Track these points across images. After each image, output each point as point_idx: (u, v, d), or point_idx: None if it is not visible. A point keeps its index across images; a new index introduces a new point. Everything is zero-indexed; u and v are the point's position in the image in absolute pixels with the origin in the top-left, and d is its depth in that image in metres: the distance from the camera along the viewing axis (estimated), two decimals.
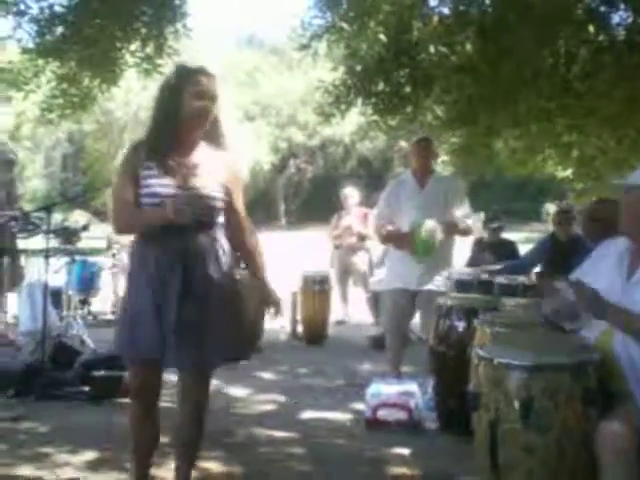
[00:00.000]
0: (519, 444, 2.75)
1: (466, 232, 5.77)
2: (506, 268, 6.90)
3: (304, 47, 7.31)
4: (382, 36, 7.02)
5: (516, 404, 2.74)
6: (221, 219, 3.17)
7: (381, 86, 7.29)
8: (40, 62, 7.58)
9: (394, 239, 5.57)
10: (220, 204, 3.12)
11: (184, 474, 3.31)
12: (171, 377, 3.46)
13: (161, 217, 2.99)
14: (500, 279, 6.38)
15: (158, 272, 3.04)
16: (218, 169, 3.14)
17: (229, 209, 3.21)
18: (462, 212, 5.66)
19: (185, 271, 3.03)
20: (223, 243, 3.15)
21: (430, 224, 5.31)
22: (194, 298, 3.04)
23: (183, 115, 3.08)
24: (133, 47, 7.51)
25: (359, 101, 7.43)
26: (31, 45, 7.61)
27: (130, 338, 3.09)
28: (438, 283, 5.53)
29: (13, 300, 7.72)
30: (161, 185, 3.05)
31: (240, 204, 3.26)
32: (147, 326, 3.04)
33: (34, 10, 7.39)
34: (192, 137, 3.15)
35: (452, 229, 5.54)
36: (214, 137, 3.22)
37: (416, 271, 5.49)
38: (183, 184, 3.05)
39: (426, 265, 5.48)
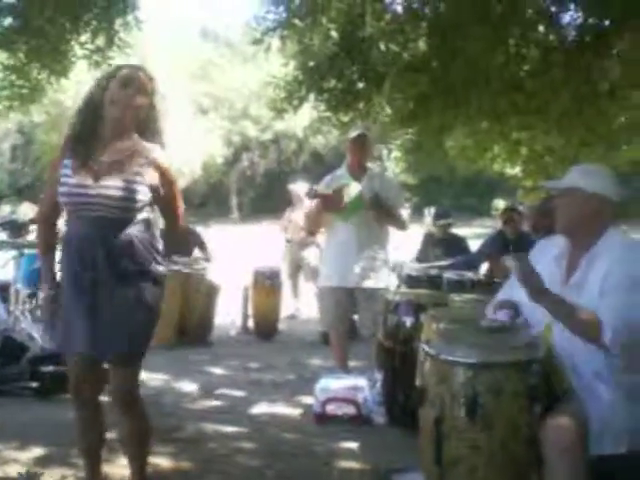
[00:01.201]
0: (464, 441, 2.78)
1: (401, 223, 5.74)
2: (456, 264, 7.00)
3: (257, 41, 7.29)
4: (334, 32, 7.03)
5: (461, 401, 2.78)
6: (143, 215, 3.11)
7: (333, 82, 7.30)
8: None
9: (323, 198, 5.43)
10: (141, 204, 3.07)
11: (133, 470, 3.31)
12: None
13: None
14: (449, 275, 6.47)
15: (74, 268, 3.07)
16: (141, 166, 3.07)
17: (159, 203, 3.18)
18: (397, 202, 5.68)
19: (97, 266, 3.03)
20: (142, 238, 3.10)
21: (357, 187, 5.34)
22: (103, 293, 3.04)
23: (106, 105, 3.05)
24: (83, 39, 7.41)
25: (311, 97, 7.43)
26: None
27: (55, 332, 3.22)
28: (378, 279, 5.53)
29: None
30: (70, 185, 3.05)
31: (170, 197, 3.19)
32: (68, 320, 3.10)
33: None
34: (118, 131, 3.09)
35: (387, 212, 5.53)
36: (148, 134, 3.15)
37: (354, 266, 5.46)
38: (93, 182, 3.02)
39: (364, 259, 5.48)
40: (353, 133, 5.72)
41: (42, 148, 34.19)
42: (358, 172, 5.66)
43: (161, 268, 3.18)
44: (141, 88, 3.06)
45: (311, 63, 7.35)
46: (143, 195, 3.06)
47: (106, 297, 3.03)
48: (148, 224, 3.14)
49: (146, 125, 3.15)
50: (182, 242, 3.33)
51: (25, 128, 34.63)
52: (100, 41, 7.42)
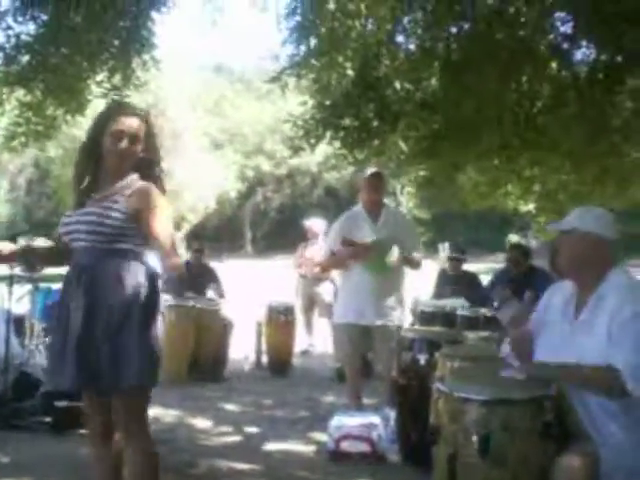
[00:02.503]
0: (477, 478, 2.79)
1: (417, 264, 5.79)
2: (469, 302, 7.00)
3: (274, 79, 7.38)
4: (350, 71, 7.10)
5: (474, 438, 2.78)
6: (124, 245, 3.11)
7: (349, 121, 7.37)
8: (5, 90, 7.57)
9: (358, 245, 5.49)
10: (110, 230, 3.08)
11: None
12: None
13: None
14: (462, 312, 6.46)
15: (66, 302, 3.13)
16: (127, 199, 3.11)
17: (145, 233, 3.12)
18: (413, 245, 5.73)
19: (84, 297, 3.05)
20: (131, 268, 3.11)
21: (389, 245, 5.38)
22: (88, 324, 3.04)
23: (104, 154, 3.17)
24: (100, 77, 7.52)
25: (328, 134, 7.49)
26: None
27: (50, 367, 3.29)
28: (393, 317, 5.57)
29: None
30: (67, 216, 3.21)
31: (153, 228, 3.07)
32: (63, 353, 3.08)
33: (0, 38, 7.40)
34: (115, 173, 3.19)
35: (404, 259, 5.59)
36: (148, 175, 3.24)
37: (370, 304, 5.52)
38: (81, 213, 3.14)
39: (379, 298, 5.52)
40: (368, 171, 5.79)
41: (58, 182, 34.49)
42: (374, 210, 5.71)
43: (143, 298, 3.11)
44: (135, 138, 3.16)
45: (327, 102, 7.42)
46: (116, 221, 3.08)
47: (74, 325, 3.04)
48: (128, 254, 3.13)
49: (143, 166, 3.24)
50: (182, 277, 3.27)
51: (41, 162, 34.98)
52: (117, 80, 7.52)
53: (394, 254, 5.41)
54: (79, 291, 3.07)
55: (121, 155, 3.15)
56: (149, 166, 3.25)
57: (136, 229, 3.11)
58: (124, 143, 3.13)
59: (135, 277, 3.12)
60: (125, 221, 3.09)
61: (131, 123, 3.15)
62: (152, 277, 3.21)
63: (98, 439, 3.26)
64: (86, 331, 3.02)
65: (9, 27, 7.38)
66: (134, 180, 3.19)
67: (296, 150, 7.86)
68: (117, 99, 3.31)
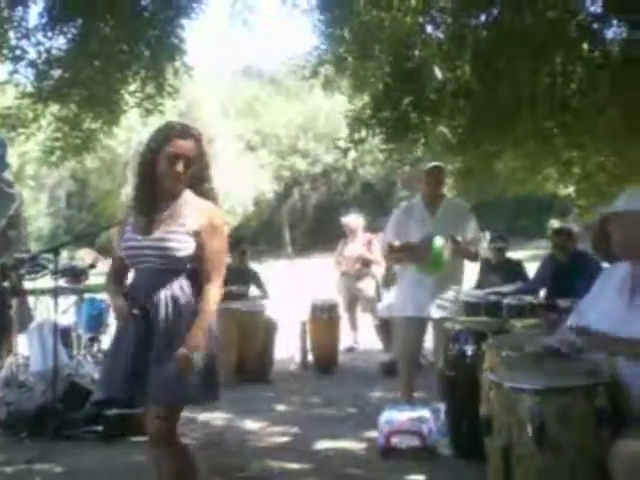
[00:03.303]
0: (533, 468, 2.75)
1: (475, 256, 5.80)
2: (515, 291, 6.92)
3: (313, 74, 7.38)
4: (387, 65, 7.08)
5: (529, 428, 2.74)
6: (193, 265, 3.22)
7: (387, 114, 7.34)
8: (39, 105, 7.65)
9: (406, 249, 5.54)
10: (184, 253, 3.18)
11: None
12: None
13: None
14: (508, 300, 6.39)
15: (128, 317, 3.22)
16: (192, 221, 3.20)
17: (200, 256, 3.24)
18: (472, 237, 5.69)
19: (146, 316, 3.17)
20: (187, 289, 3.21)
21: (441, 240, 5.35)
22: (150, 341, 3.15)
23: (159, 175, 3.22)
24: (132, 87, 7.57)
25: (371, 132, 7.47)
26: (30, 89, 7.68)
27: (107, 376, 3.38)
28: (452, 310, 5.55)
29: (23, 341, 7.73)
30: (129, 239, 3.28)
31: (211, 253, 3.23)
32: (119, 365, 3.22)
33: (31, 54, 7.49)
34: (171, 193, 3.26)
35: (462, 250, 5.56)
36: (200, 190, 3.32)
37: (428, 297, 5.51)
38: (142, 236, 3.22)
39: (438, 291, 5.51)
40: (428, 165, 5.86)
41: (96, 194, 34.88)
42: (432, 202, 5.73)
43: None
44: (190, 160, 3.22)
45: (367, 97, 7.41)
46: (184, 244, 3.18)
47: (150, 344, 3.15)
48: (195, 273, 3.23)
49: (198, 184, 3.32)
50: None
51: (79, 174, 35.32)
52: (150, 89, 7.56)
53: (447, 253, 5.38)
54: (151, 310, 3.16)
55: (177, 178, 3.21)
56: (201, 183, 3.33)
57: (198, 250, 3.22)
58: (180, 167, 3.19)
59: (188, 296, 3.23)
60: (190, 243, 3.20)
61: (186, 145, 3.21)
62: None
63: (154, 447, 3.32)
64: (168, 348, 3.11)
65: (39, 43, 7.48)
66: (191, 198, 3.28)
67: (344, 152, 7.86)
68: (172, 121, 3.34)
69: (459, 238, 5.51)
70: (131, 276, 3.43)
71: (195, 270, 3.23)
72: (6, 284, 5.39)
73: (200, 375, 3.15)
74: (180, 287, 3.17)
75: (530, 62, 6.42)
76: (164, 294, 3.15)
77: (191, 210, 3.23)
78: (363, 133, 7.43)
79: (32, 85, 7.66)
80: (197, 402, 3.35)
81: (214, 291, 3.23)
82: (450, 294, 5.61)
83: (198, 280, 3.23)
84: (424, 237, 5.42)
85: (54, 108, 7.82)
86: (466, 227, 5.69)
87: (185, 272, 3.21)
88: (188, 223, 3.19)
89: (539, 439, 2.72)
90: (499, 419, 2.89)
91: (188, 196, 3.27)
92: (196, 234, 3.20)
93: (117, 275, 3.45)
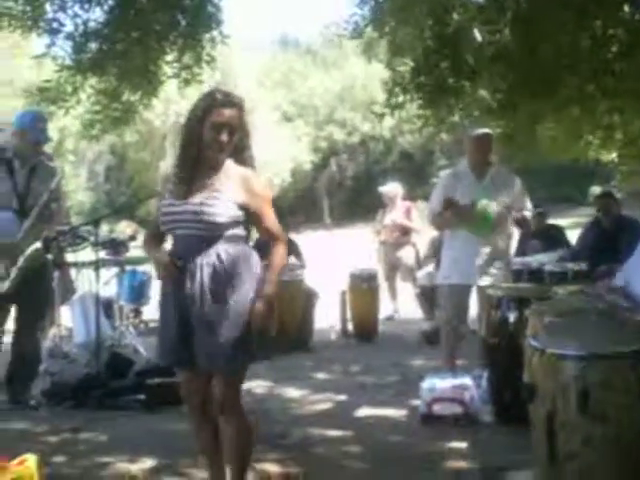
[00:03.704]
0: (577, 435, 2.72)
1: (524, 224, 5.73)
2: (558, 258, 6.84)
3: (357, 35, 7.32)
4: (426, 29, 6.98)
5: (572, 395, 2.71)
6: (232, 232, 3.20)
7: (426, 79, 7.25)
8: (78, 78, 7.66)
9: (455, 209, 5.45)
10: (223, 219, 3.16)
11: (232, 475, 3.38)
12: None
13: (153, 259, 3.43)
14: (550, 267, 6.31)
15: (172, 283, 3.25)
16: (234, 188, 3.20)
17: (254, 224, 3.31)
18: (521, 204, 5.61)
19: (187, 282, 3.16)
20: (231, 252, 3.19)
21: (490, 204, 5.30)
22: (193, 306, 3.16)
23: (203, 144, 3.20)
24: (170, 57, 7.55)
25: (408, 97, 7.40)
26: (68, 62, 7.70)
27: (161, 346, 3.38)
28: (496, 277, 5.49)
29: (65, 313, 7.84)
30: (167, 205, 3.27)
31: (263, 219, 3.30)
32: (168, 334, 3.26)
33: (68, 27, 7.49)
34: (214, 161, 3.24)
35: (512, 219, 5.50)
36: (241, 159, 3.30)
37: (475, 264, 5.46)
38: (180, 202, 3.20)
39: (486, 259, 5.45)
40: (477, 131, 5.75)
41: (135, 167, 35.09)
42: (479, 169, 5.66)
43: (247, 285, 3.21)
44: (234, 129, 3.20)
45: (406, 62, 7.33)
46: (225, 210, 3.16)
47: (197, 313, 3.15)
48: (236, 240, 3.23)
49: (239, 152, 3.30)
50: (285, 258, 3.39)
51: (117, 148, 35.56)
52: (187, 58, 7.54)
53: (495, 213, 5.32)
54: (191, 277, 3.15)
55: (222, 147, 3.20)
56: (242, 151, 3.31)
57: (242, 216, 3.23)
58: (224, 136, 3.18)
59: (243, 261, 3.22)
60: (230, 210, 3.18)
61: (230, 114, 3.19)
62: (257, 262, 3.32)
63: (197, 411, 3.37)
64: (195, 314, 3.14)
65: (76, 15, 7.48)
66: (232, 166, 3.27)
67: (380, 116, 7.79)
68: (215, 88, 3.35)
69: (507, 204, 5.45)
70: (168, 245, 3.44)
71: (235, 237, 3.22)
72: (49, 256, 5.44)
73: (253, 335, 3.17)
74: (217, 254, 3.15)
75: (571, 25, 6.29)
76: (202, 260, 3.15)
77: (233, 178, 3.22)
78: (400, 98, 7.35)
79: (70, 58, 7.67)
80: (254, 361, 3.32)
81: (280, 247, 3.31)
82: (498, 262, 5.56)
83: (239, 246, 3.23)
84: (472, 201, 5.36)
85: (92, 81, 7.84)
86: (514, 195, 5.61)
87: (224, 239, 3.18)
88: (230, 191, 3.18)
89: (583, 406, 2.69)
90: (542, 386, 2.86)
91: (230, 165, 3.26)
92: (242, 206, 3.20)
93: (154, 240, 3.46)
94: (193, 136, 3.22)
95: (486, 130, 5.79)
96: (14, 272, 5.13)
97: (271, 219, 3.33)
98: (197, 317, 3.14)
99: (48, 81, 7.81)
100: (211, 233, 3.16)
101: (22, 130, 5.30)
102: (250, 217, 3.26)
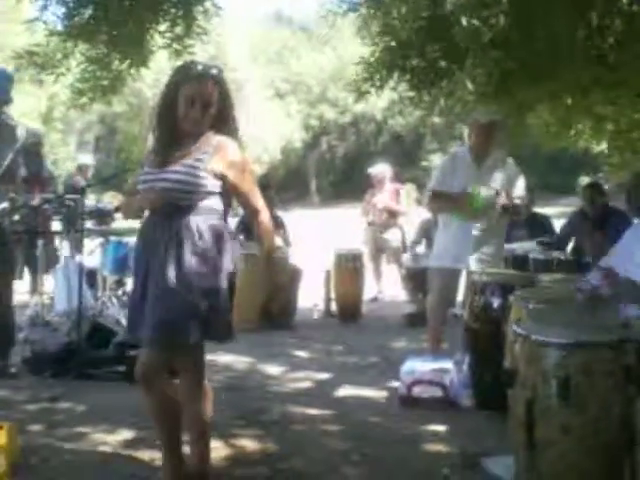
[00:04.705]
0: (556, 423, 2.72)
1: (518, 213, 5.71)
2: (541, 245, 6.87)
3: (351, 9, 7.25)
4: (417, 8, 6.92)
5: (553, 382, 2.71)
6: (206, 203, 3.14)
7: (415, 61, 7.19)
8: (69, 44, 7.56)
9: (449, 200, 5.48)
10: (199, 188, 3.11)
11: (196, 453, 3.33)
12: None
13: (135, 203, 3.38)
14: (535, 254, 6.34)
15: (139, 253, 3.28)
16: (210, 157, 3.13)
17: (233, 193, 3.26)
18: (518, 193, 5.58)
19: (157, 251, 3.11)
20: (202, 226, 3.12)
21: (486, 191, 5.29)
22: (159, 275, 3.09)
23: (177, 117, 3.16)
24: (162, 28, 7.46)
25: (394, 77, 7.34)
26: (59, 28, 7.59)
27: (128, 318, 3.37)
28: (491, 264, 5.46)
29: (48, 281, 7.80)
30: (144, 174, 3.24)
31: (242, 187, 3.25)
32: (135, 305, 3.24)
33: None
34: (191, 135, 3.19)
35: (504, 208, 5.48)
36: (223, 132, 3.23)
37: (469, 249, 5.44)
38: (158, 170, 3.16)
39: (480, 245, 5.44)
40: (483, 117, 5.64)
41: (125, 138, 34.94)
42: (480, 154, 5.59)
43: (225, 260, 3.19)
44: (209, 101, 3.15)
45: (393, 42, 7.25)
46: (202, 180, 3.11)
47: (163, 282, 3.07)
48: (210, 212, 3.17)
49: (220, 125, 3.23)
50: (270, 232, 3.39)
51: (107, 119, 35.38)
52: (179, 29, 7.45)
53: (485, 199, 5.31)
54: (160, 246, 3.10)
55: (195, 121, 3.15)
56: (223, 124, 3.24)
57: (220, 187, 3.17)
58: (197, 109, 3.12)
59: (217, 235, 3.17)
60: (207, 180, 3.12)
61: (204, 87, 3.13)
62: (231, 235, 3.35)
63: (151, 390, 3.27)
64: (165, 284, 3.06)
65: None
66: (212, 137, 3.20)
67: (361, 94, 7.72)
68: (191, 60, 3.32)
69: (504, 192, 5.41)
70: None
71: (210, 209, 3.16)
72: (15, 217, 5.36)
73: (215, 313, 3.13)
74: (187, 225, 3.09)
75: (567, 13, 6.25)
76: (173, 231, 3.09)
77: (210, 149, 3.15)
78: (385, 74, 7.29)
79: (62, 23, 7.56)
80: (215, 339, 3.22)
81: (263, 218, 3.33)
82: (491, 248, 5.54)
83: (212, 219, 3.17)
84: (468, 188, 5.34)
85: (83, 48, 7.73)
86: (513, 183, 5.57)
87: (198, 209, 3.12)
88: (207, 160, 3.12)
89: (563, 394, 2.69)
90: (523, 372, 2.86)
91: (209, 136, 3.20)
92: (218, 175, 3.14)
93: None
94: (168, 109, 3.18)
95: (493, 117, 5.70)
96: None
97: (250, 189, 3.29)
98: (162, 286, 3.07)
99: (38, 45, 7.70)
100: (184, 203, 3.10)
101: None
102: (229, 187, 3.21)
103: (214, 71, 3.20)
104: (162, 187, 3.12)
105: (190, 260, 3.07)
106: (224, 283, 3.18)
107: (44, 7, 7.29)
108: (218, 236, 3.17)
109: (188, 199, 3.10)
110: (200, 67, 3.20)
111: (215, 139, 3.19)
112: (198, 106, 3.12)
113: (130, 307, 3.34)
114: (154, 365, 3.19)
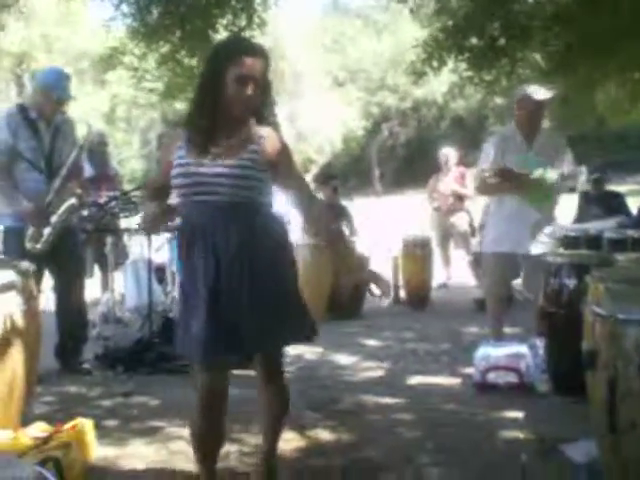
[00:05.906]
0: (639, 403, 2.62)
1: (569, 191, 5.56)
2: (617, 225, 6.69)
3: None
4: None
5: (636, 361, 2.60)
6: (264, 199, 2.93)
7: (474, 40, 7.06)
8: (142, 44, 7.66)
9: (507, 177, 5.25)
10: (263, 184, 2.89)
11: (270, 443, 3.24)
12: None
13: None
14: (609, 234, 6.16)
15: (200, 257, 2.86)
16: (262, 148, 2.88)
17: (282, 180, 2.99)
18: (569, 171, 5.42)
19: (225, 254, 2.82)
20: (271, 223, 2.95)
21: (543, 171, 5.14)
22: (247, 284, 2.82)
23: (224, 99, 2.85)
24: (225, 21, 7.49)
25: (452, 58, 7.22)
26: (133, 26, 7.69)
27: (188, 336, 2.86)
28: (550, 245, 5.31)
29: (118, 278, 7.90)
30: (188, 164, 2.88)
31: (291, 173, 3.00)
32: (201, 320, 2.81)
33: None
34: (238, 119, 2.92)
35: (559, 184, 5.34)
36: (262, 116, 2.97)
37: (527, 232, 5.26)
38: (210, 162, 2.84)
39: (537, 226, 5.27)
40: (539, 94, 5.33)
41: None
42: (531, 134, 5.39)
43: (288, 252, 3.04)
44: (258, 82, 2.86)
45: (450, 22, 7.14)
46: (263, 174, 2.88)
47: (238, 286, 2.81)
48: (267, 207, 2.97)
49: (261, 109, 2.97)
50: (321, 217, 3.14)
51: (169, 117, 35.76)
52: (241, 21, 7.48)
53: (553, 182, 5.17)
54: (231, 250, 2.80)
55: (247, 102, 2.85)
56: (264, 108, 2.98)
57: (270, 179, 2.95)
58: (250, 90, 2.83)
59: (283, 231, 3.06)
60: (265, 174, 2.89)
61: (255, 66, 2.83)
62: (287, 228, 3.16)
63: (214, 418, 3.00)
64: (259, 292, 2.83)
65: None
66: (254, 124, 2.95)
67: (419, 75, 7.62)
68: (236, 34, 3.06)
69: (555, 171, 5.26)
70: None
71: (267, 204, 2.96)
72: (84, 213, 5.44)
73: (299, 312, 2.99)
74: (259, 224, 2.86)
75: None
76: (231, 232, 2.81)
77: (260, 138, 2.90)
78: (444, 55, 7.17)
79: (135, 23, 7.62)
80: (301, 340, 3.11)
81: (313, 197, 3.22)
82: (548, 229, 5.38)
83: (270, 214, 2.99)
84: (535, 175, 5.19)
85: (156, 46, 7.81)
86: (562, 161, 5.40)
87: (256, 206, 2.89)
88: (261, 152, 2.87)
89: None
90: (604, 353, 2.76)
91: (252, 126, 2.94)
92: (273, 166, 2.91)
93: (156, 196, 3.14)
94: (213, 85, 2.86)
95: (547, 92, 5.37)
96: (47, 232, 5.10)
97: (300, 175, 3.14)
98: (238, 299, 2.80)
99: (115, 48, 7.82)
100: (249, 200, 2.85)
101: (46, 89, 5.22)
102: (279, 174, 2.94)
103: (263, 47, 2.97)
104: (219, 182, 2.81)
105: (276, 261, 2.90)
106: (297, 278, 3.05)
107: (117, 7, 7.37)
108: (283, 232, 3.06)
109: (252, 197, 2.87)
110: (248, 42, 3.01)
111: (263, 129, 2.94)
112: (251, 87, 2.83)
113: (198, 327, 2.79)
114: (222, 388, 2.94)
